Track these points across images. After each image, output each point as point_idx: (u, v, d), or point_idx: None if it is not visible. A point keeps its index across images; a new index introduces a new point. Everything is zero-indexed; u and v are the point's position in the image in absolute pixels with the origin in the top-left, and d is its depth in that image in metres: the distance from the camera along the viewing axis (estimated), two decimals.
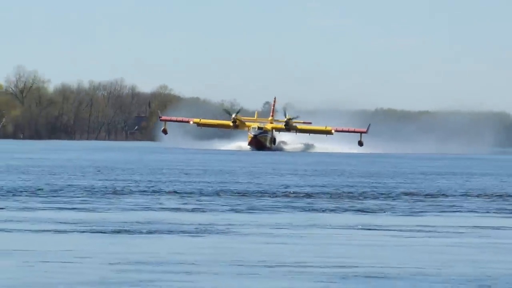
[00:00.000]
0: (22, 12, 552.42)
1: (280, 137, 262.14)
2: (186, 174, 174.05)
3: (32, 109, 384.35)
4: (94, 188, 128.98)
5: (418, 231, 78.22)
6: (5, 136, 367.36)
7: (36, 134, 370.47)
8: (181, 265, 52.93)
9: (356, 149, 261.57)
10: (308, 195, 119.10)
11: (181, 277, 48.73)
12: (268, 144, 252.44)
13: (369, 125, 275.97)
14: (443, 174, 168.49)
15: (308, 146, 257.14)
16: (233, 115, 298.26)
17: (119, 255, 56.22)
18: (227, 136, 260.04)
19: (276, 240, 67.04)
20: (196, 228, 73.58)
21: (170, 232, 72.70)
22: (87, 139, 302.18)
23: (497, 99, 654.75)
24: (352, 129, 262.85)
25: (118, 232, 71.83)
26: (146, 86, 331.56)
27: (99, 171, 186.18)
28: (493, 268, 54.49)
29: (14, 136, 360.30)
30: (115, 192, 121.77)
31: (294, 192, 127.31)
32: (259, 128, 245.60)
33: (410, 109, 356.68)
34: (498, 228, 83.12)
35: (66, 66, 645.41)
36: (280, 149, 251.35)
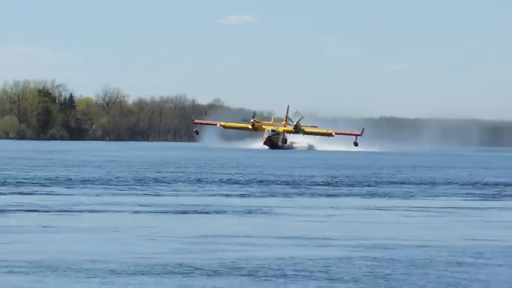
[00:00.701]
0: (105, 40, 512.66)
1: (292, 138, 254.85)
2: (227, 167, 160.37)
3: (116, 118, 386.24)
4: (159, 178, 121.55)
5: (415, 210, 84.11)
6: (95, 138, 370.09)
7: (118, 137, 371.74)
8: (236, 237, 55.94)
9: (353, 149, 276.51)
10: (328, 184, 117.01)
11: (237, 247, 51.12)
12: (280, 143, 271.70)
13: (363, 129, 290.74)
14: (428, 167, 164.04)
15: (312, 146, 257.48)
16: (252, 120, 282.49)
17: (186, 230, 61.00)
18: (253, 136, 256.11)
19: (307, 218, 71.76)
20: (245, 209, 75.29)
21: (224, 212, 76.47)
22: (158, 140, 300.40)
23: (479, 107, 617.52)
24: (349, 132, 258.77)
25: (185, 212, 75.99)
26: (204, 99, 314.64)
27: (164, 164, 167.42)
28: (478, 239, 59.09)
29: (102, 138, 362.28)
30: (176, 181, 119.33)
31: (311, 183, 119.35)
32: (272, 130, 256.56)
33: (408, 117, 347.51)
34: (475, 208, 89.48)
35: (142, 83, 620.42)
36: (290, 148, 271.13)
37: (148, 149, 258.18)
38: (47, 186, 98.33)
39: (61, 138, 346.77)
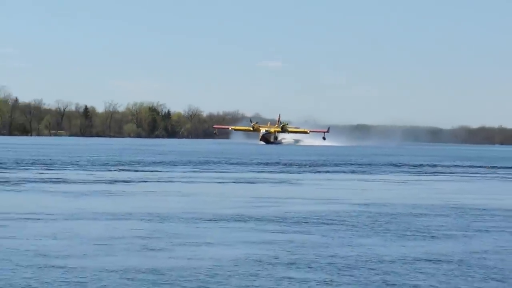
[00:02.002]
0: (187, 71, 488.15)
1: (282, 136, 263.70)
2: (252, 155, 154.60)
3: (196, 124, 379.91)
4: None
5: (385, 181, 77.92)
6: (183, 137, 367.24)
7: (196, 136, 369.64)
8: (275, 199, 52.16)
9: (323, 143, 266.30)
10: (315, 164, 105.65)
11: (278, 204, 48.41)
12: (271, 139, 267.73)
13: (328, 128, 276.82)
14: (383, 155, 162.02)
15: (296, 141, 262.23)
16: (252, 123, 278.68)
17: (247, 193, 57.84)
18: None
19: (313, 187, 66.65)
20: (276, 181, 70.89)
21: (263, 182, 71.66)
22: (221, 138, 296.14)
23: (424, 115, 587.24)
24: (320, 130, 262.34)
25: (240, 182, 70.31)
26: (249, 113, 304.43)
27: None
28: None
29: (187, 137, 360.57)
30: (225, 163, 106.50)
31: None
32: (266, 130, 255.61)
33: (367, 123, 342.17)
34: (415, 180, 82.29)
35: (211, 104, 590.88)
36: (279, 143, 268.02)
37: (212, 144, 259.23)
38: (151, 165, 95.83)
39: (162, 137, 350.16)
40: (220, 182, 69.46)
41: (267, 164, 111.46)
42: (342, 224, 37.42)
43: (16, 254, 25.45)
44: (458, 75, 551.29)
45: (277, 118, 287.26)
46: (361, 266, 25.18)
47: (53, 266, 23.47)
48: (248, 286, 21.54)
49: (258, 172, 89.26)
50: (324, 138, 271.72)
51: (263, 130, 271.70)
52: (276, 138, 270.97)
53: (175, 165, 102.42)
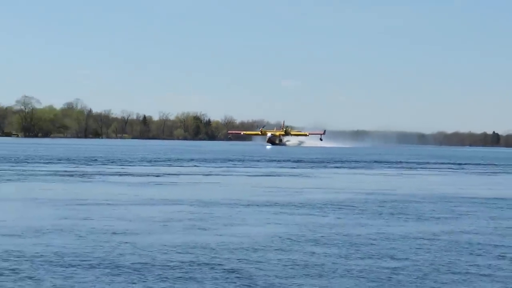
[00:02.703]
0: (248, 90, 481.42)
1: (286, 138, 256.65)
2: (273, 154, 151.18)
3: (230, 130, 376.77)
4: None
5: (380, 175, 75.92)
6: (220, 139, 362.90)
7: (236, 139, 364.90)
8: (296, 189, 50.54)
9: (322, 143, 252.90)
10: (321, 161, 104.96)
11: (297, 193, 46.76)
12: (277, 141, 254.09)
13: (324, 130, 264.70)
14: (377, 154, 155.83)
15: (299, 143, 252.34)
16: (260, 129, 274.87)
17: (270, 186, 54.18)
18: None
19: (325, 180, 63.92)
20: (294, 174, 69.91)
21: (283, 175, 68.05)
22: (247, 141, 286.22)
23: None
24: (317, 132, 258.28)
25: (264, 175, 67.44)
26: (272, 120, 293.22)
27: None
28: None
29: (224, 139, 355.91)
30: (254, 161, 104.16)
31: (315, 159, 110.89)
32: (272, 134, 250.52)
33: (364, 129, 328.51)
34: (407, 173, 75.72)
35: (245, 112, 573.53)
36: (284, 144, 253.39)
37: (241, 145, 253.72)
38: (194, 161, 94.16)
39: (204, 139, 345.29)
40: (249, 175, 67.60)
41: (282, 161, 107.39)
42: (352, 209, 36.71)
43: (94, 232, 25.06)
44: (437, 88, 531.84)
45: (287, 124, 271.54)
46: (370, 242, 24.65)
47: (124, 242, 23.04)
48: (281, 258, 20.92)
49: (278, 167, 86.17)
50: (321, 139, 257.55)
51: (269, 134, 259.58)
52: (281, 140, 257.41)
53: (212, 161, 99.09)
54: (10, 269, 18.21)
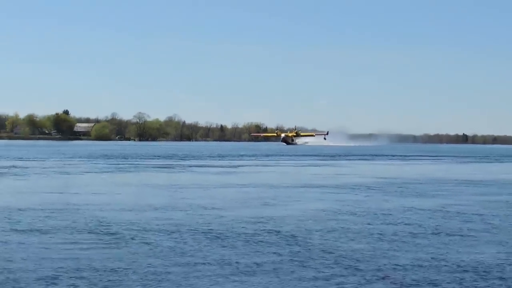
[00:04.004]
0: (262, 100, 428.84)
1: (297, 139, 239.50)
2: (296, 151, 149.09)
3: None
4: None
5: (383, 165, 66.67)
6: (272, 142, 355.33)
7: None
8: (330, 175, 49.80)
9: (325, 143, 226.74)
10: (333, 156, 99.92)
11: (332, 178, 45.88)
12: (290, 141, 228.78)
13: (327, 132, 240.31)
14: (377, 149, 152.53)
15: (306, 142, 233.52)
16: (276, 131, 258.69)
17: (310, 173, 54.84)
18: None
19: (333, 169, 61.63)
20: (324, 165, 67.36)
21: (316, 166, 65.75)
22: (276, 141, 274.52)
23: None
24: (322, 133, 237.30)
25: (305, 166, 65.04)
26: (288, 125, 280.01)
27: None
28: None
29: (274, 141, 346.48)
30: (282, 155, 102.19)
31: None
32: (285, 135, 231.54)
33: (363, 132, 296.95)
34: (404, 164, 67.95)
35: (292, 120, 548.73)
36: (295, 144, 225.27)
37: (267, 144, 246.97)
38: (254, 156, 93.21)
39: (262, 141, 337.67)
40: (293, 166, 65.60)
41: (313, 155, 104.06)
42: (374, 189, 35.05)
43: (191, 208, 24.28)
44: (421, 97, 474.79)
45: (300, 129, 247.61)
46: (390, 213, 23.42)
47: (212, 215, 22.28)
48: (327, 226, 19.94)
49: (314, 160, 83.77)
50: (325, 139, 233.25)
51: (282, 135, 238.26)
52: (292, 140, 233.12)
53: (265, 156, 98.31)
54: (134, 237, 17.42)
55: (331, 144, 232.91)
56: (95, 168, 55.49)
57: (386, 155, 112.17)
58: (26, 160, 67.89)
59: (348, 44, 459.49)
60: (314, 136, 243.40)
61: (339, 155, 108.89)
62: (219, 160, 79.72)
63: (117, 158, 78.64)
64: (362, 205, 26.80)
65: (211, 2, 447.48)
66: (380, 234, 18.94)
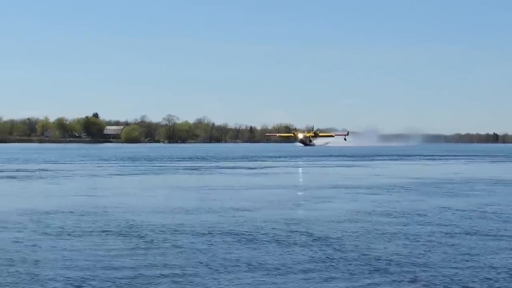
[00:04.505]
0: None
1: (316, 140, 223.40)
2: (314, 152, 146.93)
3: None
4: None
5: (402, 165, 65.23)
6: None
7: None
8: (361, 175, 49.40)
9: (345, 144, 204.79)
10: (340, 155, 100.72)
11: (364, 178, 45.97)
12: (308, 142, 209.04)
13: (348, 132, 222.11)
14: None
15: (326, 143, 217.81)
16: (292, 131, 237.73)
17: (342, 173, 54.03)
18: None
19: (364, 170, 61.19)
20: (354, 165, 67.26)
21: (346, 166, 65.08)
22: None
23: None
24: (342, 133, 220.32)
25: (334, 166, 64.28)
26: (339, 127, 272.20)
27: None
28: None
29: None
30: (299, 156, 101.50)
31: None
32: (303, 135, 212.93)
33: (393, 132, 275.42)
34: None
35: (321, 122, 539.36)
36: (313, 145, 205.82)
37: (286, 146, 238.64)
38: (284, 157, 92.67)
39: (292, 142, 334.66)
40: (321, 167, 65.03)
41: (340, 156, 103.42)
42: (408, 190, 34.70)
43: (222, 210, 24.11)
44: (452, 97, 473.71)
45: (329, 130, 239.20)
46: (425, 213, 23.07)
47: (242, 216, 22.14)
48: (359, 227, 19.64)
49: (342, 160, 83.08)
50: (345, 139, 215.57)
51: (300, 136, 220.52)
52: (310, 141, 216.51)
53: (297, 156, 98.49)
54: (165, 240, 17.27)
55: (359, 144, 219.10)
56: (125, 170, 55.52)
57: (418, 155, 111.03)
58: (56, 163, 68.21)
59: (376, 43, 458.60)
60: (334, 136, 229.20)
61: (373, 155, 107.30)
62: (248, 161, 79.59)
63: (145, 161, 78.90)
64: (396, 206, 26.42)
65: (235, 4, 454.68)
66: (416, 235, 18.56)
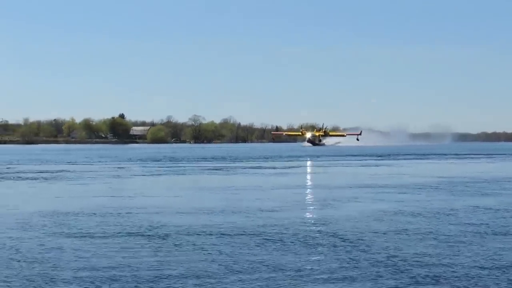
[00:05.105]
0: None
1: (326, 139, 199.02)
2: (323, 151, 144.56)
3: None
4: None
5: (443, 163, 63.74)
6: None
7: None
8: (387, 175, 49.02)
9: (358, 143, 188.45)
10: (357, 155, 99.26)
11: (390, 178, 45.70)
12: (317, 142, 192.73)
13: (361, 131, 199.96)
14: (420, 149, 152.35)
15: (336, 143, 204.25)
16: (301, 130, 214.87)
17: (368, 173, 53.81)
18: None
19: (390, 169, 60.83)
20: (382, 164, 65.85)
21: (371, 166, 64.15)
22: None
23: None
24: (354, 133, 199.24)
25: (361, 166, 63.45)
26: (344, 125, 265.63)
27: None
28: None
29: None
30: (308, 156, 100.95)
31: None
32: (312, 134, 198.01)
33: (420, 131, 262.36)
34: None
35: (347, 121, 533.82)
36: (323, 145, 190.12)
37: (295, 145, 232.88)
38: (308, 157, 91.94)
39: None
40: (349, 166, 64.63)
41: (366, 155, 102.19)
42: (436, 189, 34.33)
43: (248, 211, 23.94)
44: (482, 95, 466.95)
45: (356, 129, 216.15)
46: (454, 213, 22.81)
47: (269, 217, 21.98)
48: (384, 230, 19.26)
49: (368, 160, 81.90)
50: (357, 139, 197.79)
51: (308, 134, 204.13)
52: (320, 140, 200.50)
53: (323, 156, 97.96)
54: (190, 242, 17.12)
55: (392, 143, 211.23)
56: (147, 171, 55.61)
57: (448, 154, 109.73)
58: (80, 164, 68.59)
59: (402, 42, 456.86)
60: (345, 136, 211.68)
61: (395, 153, 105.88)
62: (273, 161, 79.22)
63: (171, 161, 79.02)
64: (425, 205, 26.09)
65: (259, 6, 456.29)
66: (446, 235, 18.27)
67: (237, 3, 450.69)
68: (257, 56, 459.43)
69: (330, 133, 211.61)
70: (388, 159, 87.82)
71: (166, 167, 63.26)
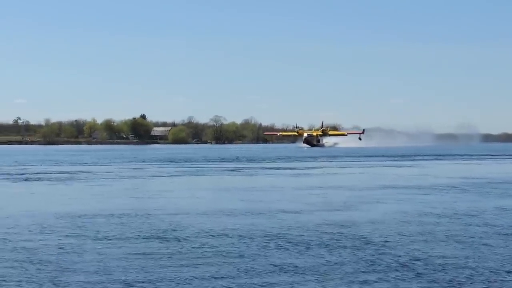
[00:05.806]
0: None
1: (325, 139, 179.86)
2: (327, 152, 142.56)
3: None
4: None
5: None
6: None
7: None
8: (406, 175, 47.91)
9: (359, 144, 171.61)
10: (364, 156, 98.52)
11: (409, 178, 45.37)
12: (314, 142, 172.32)
13: (364, 130, 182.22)
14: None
15: (336, 143, 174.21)
16: (297, 129, 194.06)
17: (386, 173, 52.91)
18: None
19: (411, 170, 60.24)
20: (394, 166, 65.66)
21: (387, 166, 63.77)
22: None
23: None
24: (356, 132, 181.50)
25: (379, 167, 63.46)
26: (385, 126, 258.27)
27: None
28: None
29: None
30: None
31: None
32: (308, 134, 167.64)
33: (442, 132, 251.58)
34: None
35: (368, 121, 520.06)
36: (322, 146, 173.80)
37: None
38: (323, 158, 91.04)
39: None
40: (368, 167, 63.41)
41: (379, 156, 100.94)
42: (459, 190, 33.98)
43: (269, 212, 23.77)
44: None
45: (375, 129, 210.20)
46: (480, 216, 22.47)
47: (290, 219, 21.82)
48: (411, 229, 19.17)
49: (384, 161, 80.00)
50: (360, 139, 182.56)
51: (305, 134, 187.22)
52: (318, 141, 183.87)
53: (346, 157, 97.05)
54: (210, 244, 17.01)
55: (418, 144, 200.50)
56: (165, 171, 55.39)
57: (476, 154, 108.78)
58: (100, 165, 68.62)
59: (422, 42, 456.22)
60: (346, 135, 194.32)
61: (411, 154, 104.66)
62: (293, 162, 78.75)
63: (191, 162, 79.03)
64: (450, 207, 25.79)
65: (281, 4, 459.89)
66: (472, 237, 17.99)
67: (263, 3, 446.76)
68: (279, 56, 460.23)
69: (330, 132, 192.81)
70: (418, 159, 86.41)
71: (190, 167, 62.44)
